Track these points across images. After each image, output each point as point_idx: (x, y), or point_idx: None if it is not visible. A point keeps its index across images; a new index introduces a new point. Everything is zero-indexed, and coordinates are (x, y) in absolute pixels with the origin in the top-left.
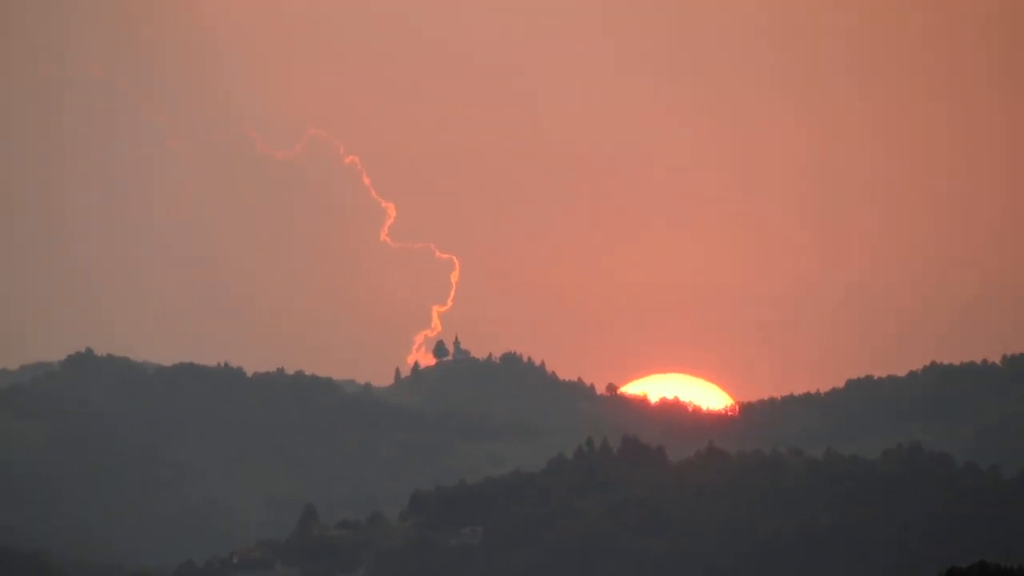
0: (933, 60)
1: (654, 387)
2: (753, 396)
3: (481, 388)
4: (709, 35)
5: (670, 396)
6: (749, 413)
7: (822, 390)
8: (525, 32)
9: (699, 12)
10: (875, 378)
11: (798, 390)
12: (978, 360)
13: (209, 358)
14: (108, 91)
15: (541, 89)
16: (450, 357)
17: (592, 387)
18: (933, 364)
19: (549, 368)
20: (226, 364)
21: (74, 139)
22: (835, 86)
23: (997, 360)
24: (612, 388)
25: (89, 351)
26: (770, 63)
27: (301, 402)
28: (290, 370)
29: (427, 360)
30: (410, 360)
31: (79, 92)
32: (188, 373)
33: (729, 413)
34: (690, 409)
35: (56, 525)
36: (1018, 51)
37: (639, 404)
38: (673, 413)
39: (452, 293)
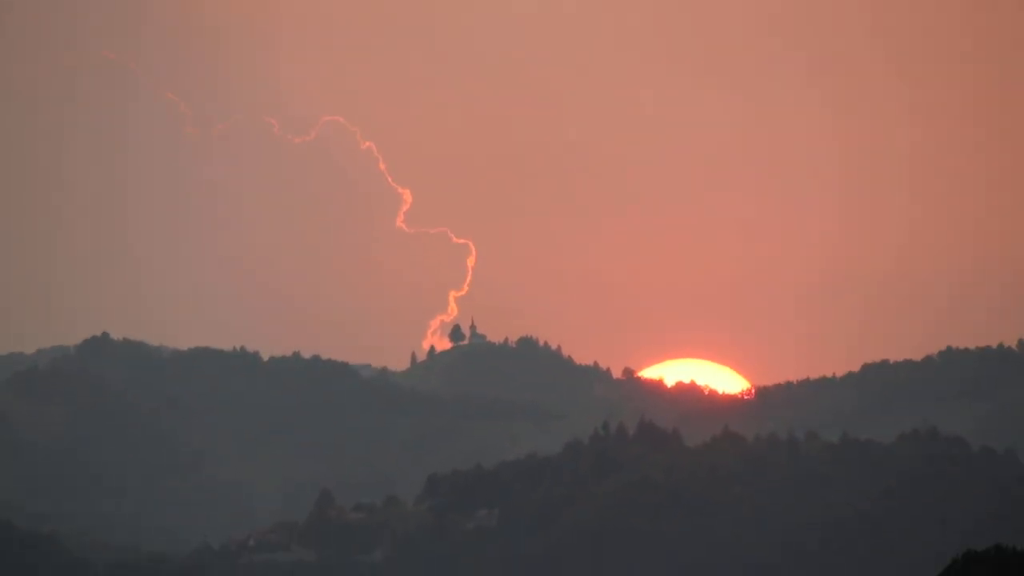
0: (967, 48)
1: (670, 371)
2: (769, 380)
3: (497, 372)
4: (733, 22)
5: (686, 380)
6: (765, 397)
7: (838, 374)
8: (544, 20)
9: (724, 2)
10: (891, 362)
11: (814, 374)
12: (994, 344)
13: (225, 342)
14: (124, 76)
15: (558, 77)
16: (466, 341)
17: (608, 371)
18: (949, 348)
19: (565, 352)
20: (242, 348)
21: (89, 124)
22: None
23: (1013, 344)
24: (628, 372)
25: (105, 335)
26: (797, 50)
27: (317, 386)
28: (306, 354)
29: (443, 344)
30: (426, 344)
31: (95, 77)
32: (204, 357)
33: (745, 397)
34: (706, 392)
35: (72, 508)
36: None
37: (655, 388)
38: (689, 397)
39: (468, 278)
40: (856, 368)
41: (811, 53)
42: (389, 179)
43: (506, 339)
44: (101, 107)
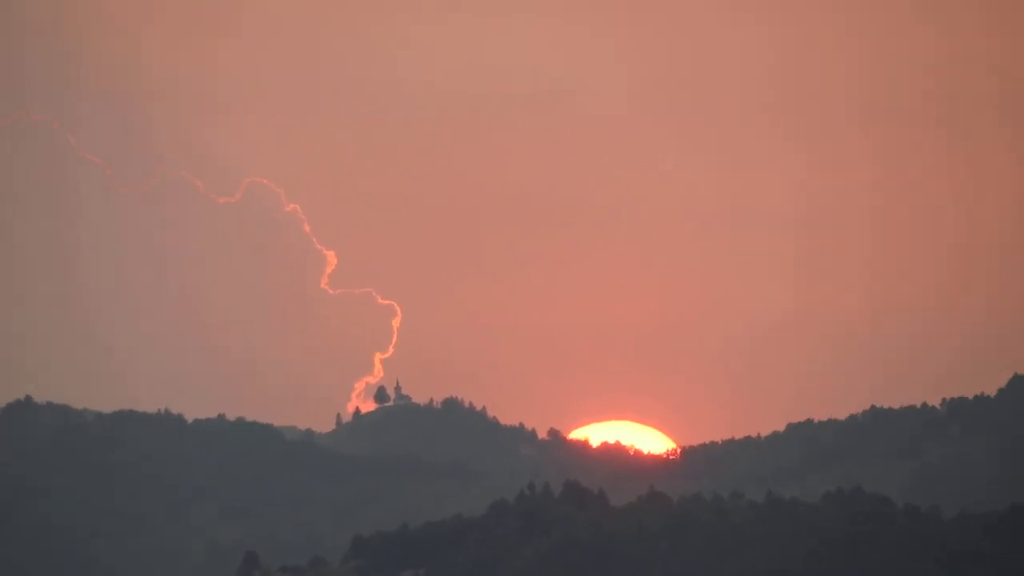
0: (934, 92)
1: (596, 432)
2: (695, 440)
3: (422, 433)
4: (683, 64)
5: (612, 441)
6: (690, 457)
7: (763, 434)
8: (468, 77)
9: (668, 46)
10: (815, 421)
11: (739, 434)
12: (918, 404)
13: (149, 405)
14: (45, 133)
15: (481, 136)
16: (391, 403)
17: (534, 432)
18: (873, 408)
19: (491, 413)
20: (166, 410)
21: (9, 182)
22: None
23: (937, 404)
24: (554, 433)
25: (28, 399)
26: (761, 94)
27: (242, 448)
28: (231, 416)
29: (368, 406)
30: (351, 407)
31: (17, 139)
32: (128, 420)
33: (670, 457)
34: (631, 453)
35: None
36: None
37: (581, 448)
38: (615, 457)
39: (394, 339)
40: (781, 428)
41: (773, 112)
42: (314, 240)
43: (431, 400)
44: (21, 167)
